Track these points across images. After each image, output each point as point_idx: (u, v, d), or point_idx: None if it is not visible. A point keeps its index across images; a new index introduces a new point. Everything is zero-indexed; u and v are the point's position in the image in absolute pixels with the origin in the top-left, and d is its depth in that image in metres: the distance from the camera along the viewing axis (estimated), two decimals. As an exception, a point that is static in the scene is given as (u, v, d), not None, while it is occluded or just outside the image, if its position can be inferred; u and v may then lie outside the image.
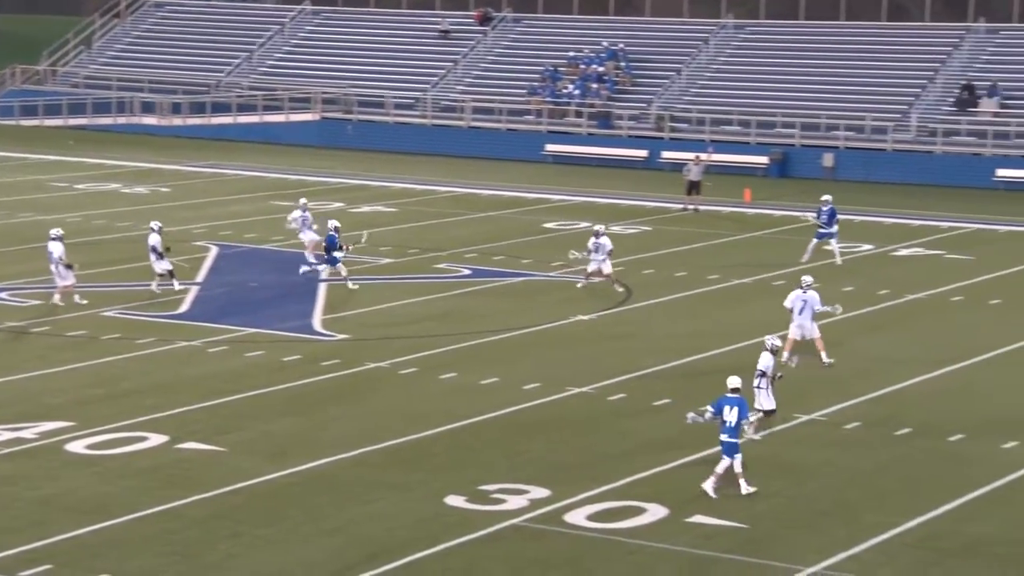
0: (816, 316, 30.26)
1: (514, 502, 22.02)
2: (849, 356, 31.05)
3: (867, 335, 33.41)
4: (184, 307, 35.49)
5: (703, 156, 53.00)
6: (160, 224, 37.25)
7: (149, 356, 30.66)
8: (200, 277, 38.94)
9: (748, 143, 63.11)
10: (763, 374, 25.10)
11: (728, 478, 22.36)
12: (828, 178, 60.58)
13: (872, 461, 24.29)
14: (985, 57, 64.45)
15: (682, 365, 30.51)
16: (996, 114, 61.02)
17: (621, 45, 70.00)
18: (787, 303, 30.42)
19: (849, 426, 26.22)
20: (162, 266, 36.41)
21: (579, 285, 37.63)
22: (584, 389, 28.45)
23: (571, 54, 70.62)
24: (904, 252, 44.21)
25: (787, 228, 48.88)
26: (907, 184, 57.70)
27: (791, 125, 62.95)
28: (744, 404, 22.65)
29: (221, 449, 24.51)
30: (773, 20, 70.41)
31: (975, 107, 61.72)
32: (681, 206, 51.35)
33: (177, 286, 36.43)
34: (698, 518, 21.43)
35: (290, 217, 41.67)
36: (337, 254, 37.49)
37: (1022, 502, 22.38)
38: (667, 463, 23.95)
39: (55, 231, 35.52)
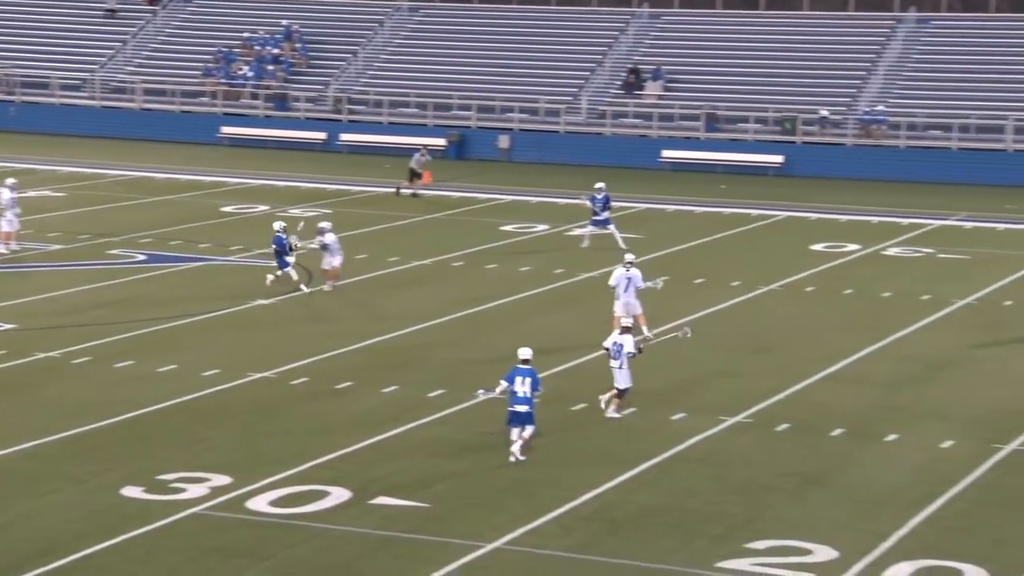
0: (638, 293, 30.84)
1: (194, 491, 21.69)
2: (529, 334, 31.60)
3: (545, 314, 34.09)
4: None
5: (424, 150, 53.16)
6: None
7: None
8: None
9: (426, 125, 63.53)
10: (617, 353, 25.34)
11: (526, 442, 23.20)
12: (504, 160, 61.58)
13: (549, 437, 24.80)
14: (649, 41, 66.47)
15: (364, 348, 30.56)
16: (660, 97, 63.09)
17: (296, 26, 69.50)
18: (611, 281, 30.98)
19: (527, 403, 26.69)
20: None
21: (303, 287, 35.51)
22: (265, 374, 28.21)
23: (246, 35, 69.71)
24: (579, 232, 45.23)
25: (466, 209, 49.46)
26: (580, 165, 59.08)
27: (467, 107, 63.67)
28: (535, 374, 23.31)
29: None
30: (446, 2, 70.96)
31: (641, 90, 63.63)
32: (410, 191, 51.42)
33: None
34: (381, 500, 21.53)
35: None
36: (288, 258, 34.76)
37: (688, 471, 23.24)
38: (349, 446, 23.97)
39: None
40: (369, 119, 64.31)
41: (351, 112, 65.04)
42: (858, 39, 63.75)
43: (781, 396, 27.21)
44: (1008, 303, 35.29)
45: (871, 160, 57.70)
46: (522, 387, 23.24)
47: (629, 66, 64.47)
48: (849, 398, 27.12)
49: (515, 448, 23.29)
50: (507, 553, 19.81)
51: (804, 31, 64.73)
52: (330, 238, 35.63)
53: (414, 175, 51.74)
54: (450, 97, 64.41)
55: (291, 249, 35.02)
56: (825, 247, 42.54)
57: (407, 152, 58.99)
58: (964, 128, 57.18)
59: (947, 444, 24.45)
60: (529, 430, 23.40)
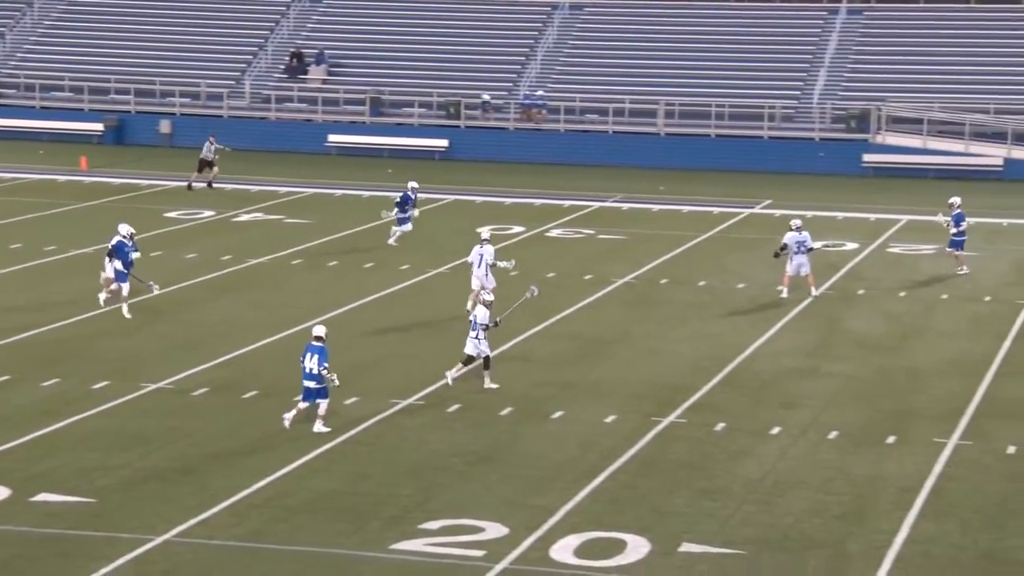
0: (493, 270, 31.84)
1: None
2: (194, 322, 31.12)
3: (211, 301, 33.61)
4: None
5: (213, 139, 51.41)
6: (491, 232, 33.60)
7: None
8: None
9: (82, 110, 61.70)
10: (475, 324, 26.35)
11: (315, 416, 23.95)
12: (165, 145, 60.36)
13: (220, 426, 24.48)
14: (311, 25, 66.17)
15: (23, 340, 29.51)
16: (324, 81, 62.89)
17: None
18: (469, 258, 32.39)
19: (196, 392, 26.29)
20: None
21: (102, 298, 32.69)
22: (-85, 371, 26.95)
23: None
24: (245, 218, 44.77)
25: (127, 196, 48.32)
26: (245, 150, 58.35)
27: (126, 92, 62.13)
28: (324, 352, 23.91)
29: None
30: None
31: (305, 74, 63.30)
32: (203, 183, 49.71)
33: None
34: (43, 496, 20.85)
35: None
36: (118, 264, 31.53)
37: (361, 455, 23.28)
38: (6, 443, 23.15)
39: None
40: (21, 103, 62.07)
41: (1, 96, 62.61)
42: (517, 24, 64.94)
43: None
44: (664, 281, 36.57)
45: (533, 144, 58.90)
46: (311, 363, 23.95)
47: (292, 50, 64.04)
48: (517, 377, 27.63)
49: (317, 426, 23.97)
50: (178, 545, 19.46)
51: (466, 16, 65.50)
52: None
53: (205, 165, 49.76)
54: (107, 81, 62.73)
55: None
56: (491, 229, 43.12)
57: (64, 138, 57.31)
58: (619, 112, 58.93)
59: (610, 419, 25.19)
60: (323, 404, 24.03)
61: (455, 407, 25.64)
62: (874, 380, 27.93)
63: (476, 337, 26.68)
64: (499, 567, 18.95)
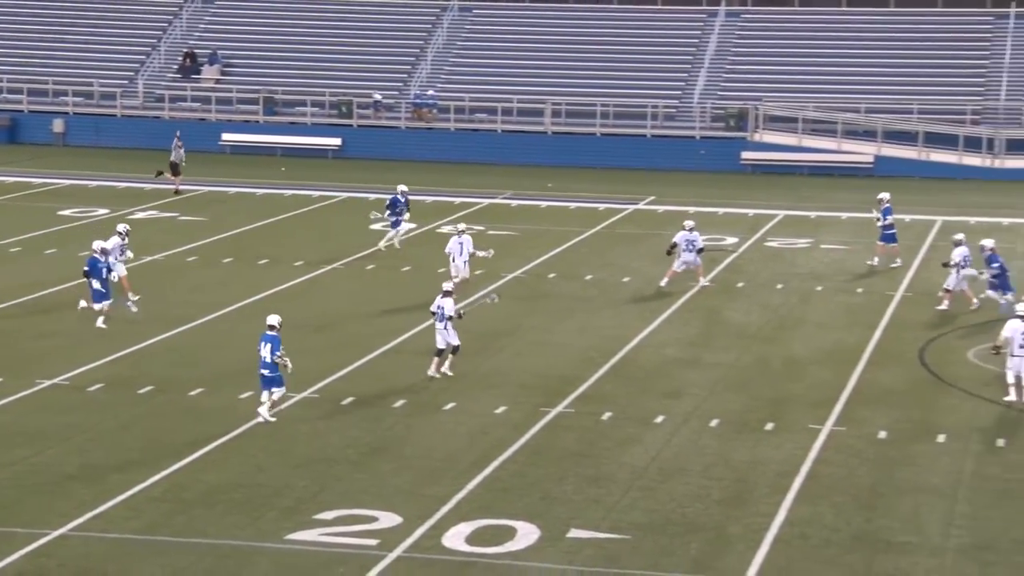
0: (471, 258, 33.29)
1: None
2: (89, 318, 30.71)
3: (105, 298, 33.20)
4: None
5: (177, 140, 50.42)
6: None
7: None
8: None
9: (-27, 109, 60.73)
10: (442, 316, 26.73)
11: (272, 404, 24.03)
12: (59, 144, 59.52)
13: (116, 421, 24.23)
14: (203, 26, 65.55)
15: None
16: (218, 81, 62.34)
17: None
18: (447, 249, 33.91)
19: (92, 388, 25.99)
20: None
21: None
22: None
23: None
24: (140, 215, 44.26)
25: (21, 194, 47.60)
26: (139, 149, 57.71)
27: (18, 91, 61.14)
28: (276, 340, 24.07)
29: None
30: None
31: (198, 74, 62.69)
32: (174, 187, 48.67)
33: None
34: (-61, 493, 20.53)
35: None
36: (95, 283, 30.20)
37: (257, 448, 23.14)
38: (-96, 440, 22.76)
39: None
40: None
41: None
42: (407, 25, 64.80)
43: (345, 371, 27.45)
44: (552, 276, 36.75)
45: (424, 142, 58.83)
46: (265, 352, 24.06)
47: (185, 50, 63.39)
48: (409, 371, 27.62)
49: (262, 410, 24.00)
50: (74, 539, 19.23)
51: (357, 17, 65.25)
52: None
53: (175, 169, 48.65)
54: (0, 80, 61.69)
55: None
56: (383, 226, 43.08)
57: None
58: (508, 111, 59.05)
59: (501, 410, 25.27)
60: (277, 392, 24.17)
61: (348, 400, 25.59)
62: (753, 369, 28.29)
63: (445, 328, 26.92)
64: (392, 555, 18.96)
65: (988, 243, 33.15)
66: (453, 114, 59.37)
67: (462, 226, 34.70)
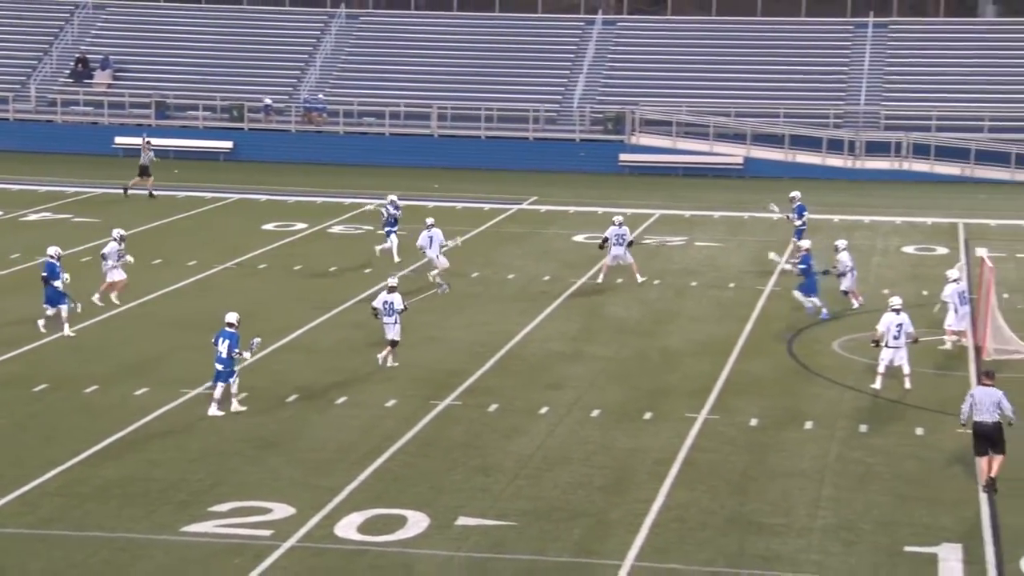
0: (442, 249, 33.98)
1: None
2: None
3: (0, 298, 32.62)
4: None
5: (150, 141, 49.05)
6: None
7: None
8: None
9: None
10: (391, 311, 26.97)
11: (226, 399, 24.05)
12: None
13: (11, 418, 23.84)
14: (95, 31, 64.64)
15: None
16: (110, 85, 61.49)
17: None
18: (418, 243, 34.75)
19: (-13, 387, 25.55)
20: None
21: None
22: None
23: None
24: (33, 217, 43.57)
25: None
26: (31, 152, 56.76)
27: (-88, 95, 59.91)
28: (235, 337, 24.19)
29: None
30: None
31: (91, 79, 61.80)
32: (146, 191, 47.58)
33: None
34: None
35: None
36: (57, 283, 29.26)
37: (153, 443, 22.91)
38: None
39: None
40: None
41: None
42: (296, 31, 64.45)
43: (239, 367, 27.19)
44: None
45: (314, 145, 58.53)
46: (223, 347, 24.17)
47: (77, 55, 62.44)
48: (302, 366, 27.50)
49: (214, 406, 24.14)
50: (-28, 535, 18.91)
51: (247, 23, 64.77)
52: None
53: (145, 172, 47.56)
54: None
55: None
56: (275, 226, 42.88)
57: None
58: (395, 115, 58.94)
59: (391, 403, 25.26)
60: (231, 385, 24.33)
61: (243, 395, 25.39)
62: (632, 362, 28.55)
63: (395, 323, 27.10)
64: (286, 545, 18.88)
65: (805, 244, 32.85)
66: (342, 118, 59.13)
67: (431, 220, 35.26)
